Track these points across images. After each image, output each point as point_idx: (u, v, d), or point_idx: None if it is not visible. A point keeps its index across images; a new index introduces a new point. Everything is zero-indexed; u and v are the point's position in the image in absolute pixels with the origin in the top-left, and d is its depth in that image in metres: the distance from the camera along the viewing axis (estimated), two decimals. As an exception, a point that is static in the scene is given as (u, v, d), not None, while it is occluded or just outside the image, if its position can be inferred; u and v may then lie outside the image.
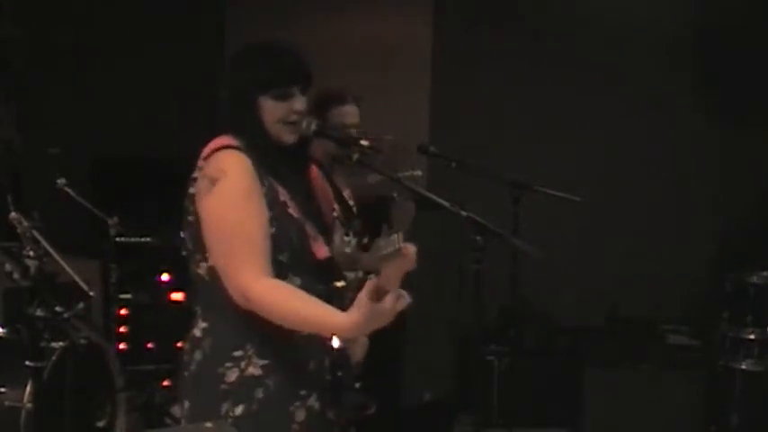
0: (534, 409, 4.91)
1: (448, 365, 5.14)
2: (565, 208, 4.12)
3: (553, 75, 5.78)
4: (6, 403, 3.63)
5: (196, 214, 2.28)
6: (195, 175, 2.31)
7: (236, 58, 2.42)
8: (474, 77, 5.87)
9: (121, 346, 5.13)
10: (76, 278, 3.78)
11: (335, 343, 2.38)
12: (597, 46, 5.75)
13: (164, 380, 5.05)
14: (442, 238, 4.80)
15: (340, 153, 3.08)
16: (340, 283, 2.24)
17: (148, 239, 4.95)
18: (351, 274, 2.52)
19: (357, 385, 2.47)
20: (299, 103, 2.35)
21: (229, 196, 2.24)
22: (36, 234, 3.55)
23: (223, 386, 2.28)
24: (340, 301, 2.26)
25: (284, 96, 2.33)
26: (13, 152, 5.45)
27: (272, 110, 2.33)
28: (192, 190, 2.30)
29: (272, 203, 2.28)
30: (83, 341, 3.87)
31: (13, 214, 3.55)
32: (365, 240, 3.29)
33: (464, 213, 2.44)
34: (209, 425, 2.24)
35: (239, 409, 2.27)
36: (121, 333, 5.15)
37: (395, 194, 2.53)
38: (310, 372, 2.35)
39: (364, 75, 5.58)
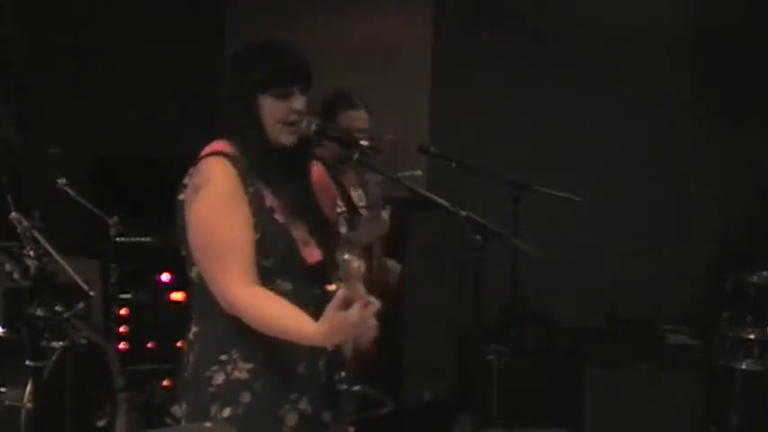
0: (534, 409, 4.91)
1: (448, 365, 5.14)
2: (565, 208, 4.12)
3: (553, 75, 5.79)
4: (6, 403, 3.63)
5: (185, 221, 2.31)
6: (185, 181, 2.33)
7: (236, 58, 2.42)
8: (474, 77, 5.87)
9: (121, 346, 5.13)
10: (76, 278, 3.78)
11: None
12: (597, 46, 5.75)
13: (164, 380, 5.05)
14: (441, 238, 4.80)
15: (340, 153, 3.09)
16: (332, 287, 2.24)
17: (148, 239, 4.95)
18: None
19: (357, 387, 2.47)
20: (299, 102, 2.35)
21: (212, 204, 2.26)
22: (36, 234, 3.55)
23: (211, 389, 2.30)
24: None
25: (284, 95, 2.33)
26: (13, 152, 5.45)
27: (271, 109, 2.33)
28: (181, 196, 2.33)
29: (258, 209, 2.29)
30: (83, 341, 3.86)
31: (13, 214, 3.55)
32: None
33: (464, 213, 2.44)
34: (208, 425, 2.26)
35: (227, 412, 2.29)
36: (121, 333, 5.15)
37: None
38: (300, 375, 2.34)
39: (364, 75, 5.58)
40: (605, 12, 5.75)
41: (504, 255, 3.22)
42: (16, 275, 3.56)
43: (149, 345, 5.27)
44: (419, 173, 3.63)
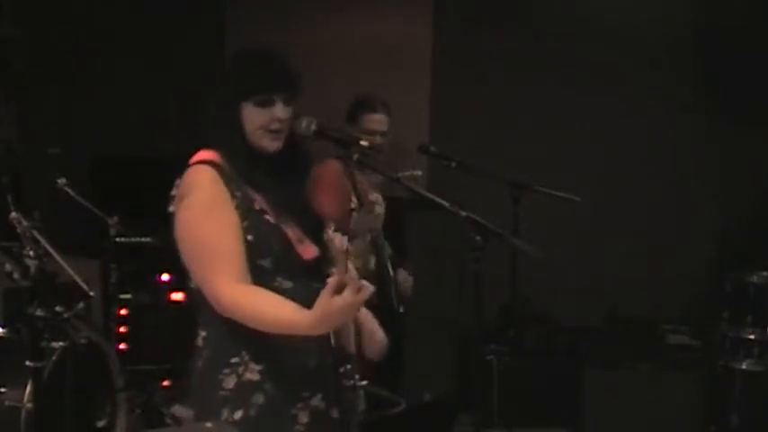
0: (534, 409, 4.91)
1: (448, 365, 5.14)
2: (565, 208, 4.12)
3: (553, 75, 5.78)
4: (6, 403, 3.62)
5: (174, 232, 2.33)
6: (173, 192, 2.35)
7: (225, 66, 2.45)
8: (474, 77, 5.87)
9: (121, 346, 5.13)
10: (76, 278, 3.78)
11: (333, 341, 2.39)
12: (597, 46, 5.75)
13: (164, 380, 5.05)
14: (441, 238, 4.81)
15: (341, 153, 3.10)
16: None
17: (148, 239, 4.95)
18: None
19: (363, 383, 2.47)
20: (281, 111, 2.35)
21: (195, 211, 2.28)
22: (36, 234, 3.55)
23: (222, 392, 2.31)
24: None
25: (265, 103, 2.34)
26: (13, 152, 5.45)
27: (252, 117, 2.34)
28: (171, 208, 2.35)
29: (247, 213, 2.30)
30: (83, 341, 3.87)
31: (13, 214, 3.55)
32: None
33: (464, 213, 2.44)
34: (208, 425, 2.26)
35: (238, 415, 2.29)
36: (121, 333, 5.15)
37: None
38: (312, 371, 2.35)
39: (364, 75, 5.59)
40: (605, 12, 5.75)
41: (504, 255, 3.22)
42: (16, 275, 3.56)
43: (149, 345, 5.27)
44: (419, 173, 3.65)
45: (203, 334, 2.38)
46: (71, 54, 5.72)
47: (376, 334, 2.54)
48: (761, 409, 4.59)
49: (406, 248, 4.11)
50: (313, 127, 2.40)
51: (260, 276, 2.28)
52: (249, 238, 2.29)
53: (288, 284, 2.31)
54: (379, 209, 3.95)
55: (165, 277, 5.34)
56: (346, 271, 2.14)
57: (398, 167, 3.31)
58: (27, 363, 3.40)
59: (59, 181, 4.48)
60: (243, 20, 5.93)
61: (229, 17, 6.09)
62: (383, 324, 2.58)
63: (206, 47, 5.80)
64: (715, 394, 4.75)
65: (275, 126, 2.34)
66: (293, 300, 2.22)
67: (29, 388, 3.52)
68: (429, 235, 4.98)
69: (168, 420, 4.61)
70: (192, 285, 2.35)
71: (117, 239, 4.70)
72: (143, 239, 4.94)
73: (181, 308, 5.22)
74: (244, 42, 2.48)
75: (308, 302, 2.18)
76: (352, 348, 2.45)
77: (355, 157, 2.46)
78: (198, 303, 2.37)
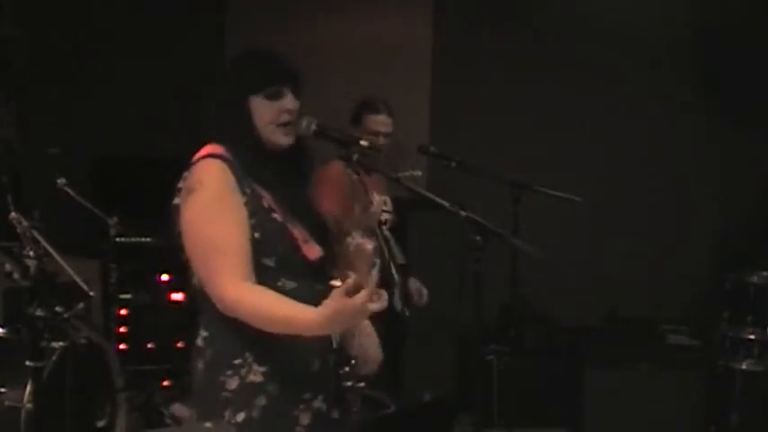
0: (534, 409, 4.90)
1: (448, 365, 5.14)
2: (565, 208, 4.12)
3: (553, 75, 5.78)
4: (6, 403, 3.62)
5: (179, 226, 2.31)
6: (180, 185, 2.33)
7: (228, 65, 2.46)
8: (474, 77, 5.87)
9: (121, 346, 5.14)
10: (76, 278, 3.78)
11: (335, 342, 2.39)
12: (597, 46, 5.75)
13: (164, 380, 5.06)
14: (442, 238, 4.80)
15: (341, 153, 3.09)
16: (336, 282, 2.25)
17: (148, 239, 4.96)
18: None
19: (362, 384, 2.47)
20: (291, 102, 2.35)
21: (202, 207, 2.26)
22: (36, 234, 3.55)
23: (225, 394, 2.30)
24: None
25: (275, 95, 2.34)
26: (13, 152, 5.45)
27: (262, 110, 2.33)
28: (176, 201, 2.32)
29: (255, 210, 2.29)
30: (83, 341, 3.86)
31: (13, 214, 3.55)
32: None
33: (464, 213, 2.44)
34: (208, 425, 2.26)
35: (241, 416, 2.29)
36: (121, 333, 5.16)
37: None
38: (314, 373, 2.35)
39: (364, 75, 5.59)
40: (605, 12, 5.75)
41: (504, 255, 3.21)
42: (16, 275, 3.56)
43: (149, 345, 5.28)
44: (419, 173, 3.66)
45: (205, 334, 2.36)
46: (71, 54, 5.72)
47: (370, 351, 2.50)
48: (761, 409, 4.59)
49: (406, 248, 4.11)
50: (313, 127, 2.40)
51: (263, 275, 2.27)
52: (256, 235, 2.27)
53: (291, 285, 2.30)
54: (387, 214, 3.94)
55: (164, 277, 5.35)
56: (369, 275, 2.12)
57: (398, 167, 3.31)
58: (27, 363, 3.40)
59: (59, 181, 4.48)
60: (243, 20, 5.93)
61: (229, 17, 6.09)
62: (386, 326, 2.57)
63: (206, 47, 5.81)
64: (715, 394, 4.75)
65: (285, 118, 2.34)
66: (296, 300, 2.21)
67: (29, 388, 3.52)
68: (429, 235, 4.97)
69: (168, 420, 4.61)
70: (194, 283, 2.33)
71: (117, 239, 4.70)
72: (143, 239, 4.94)
73: (181, 308, 5.22)
74: (244, 42, 2.49)
75: (310, 303, 2.17)
76: (353, 350, 2.45)
77: (355, 157, 2.46)
78: (200, 302, 2.36)
